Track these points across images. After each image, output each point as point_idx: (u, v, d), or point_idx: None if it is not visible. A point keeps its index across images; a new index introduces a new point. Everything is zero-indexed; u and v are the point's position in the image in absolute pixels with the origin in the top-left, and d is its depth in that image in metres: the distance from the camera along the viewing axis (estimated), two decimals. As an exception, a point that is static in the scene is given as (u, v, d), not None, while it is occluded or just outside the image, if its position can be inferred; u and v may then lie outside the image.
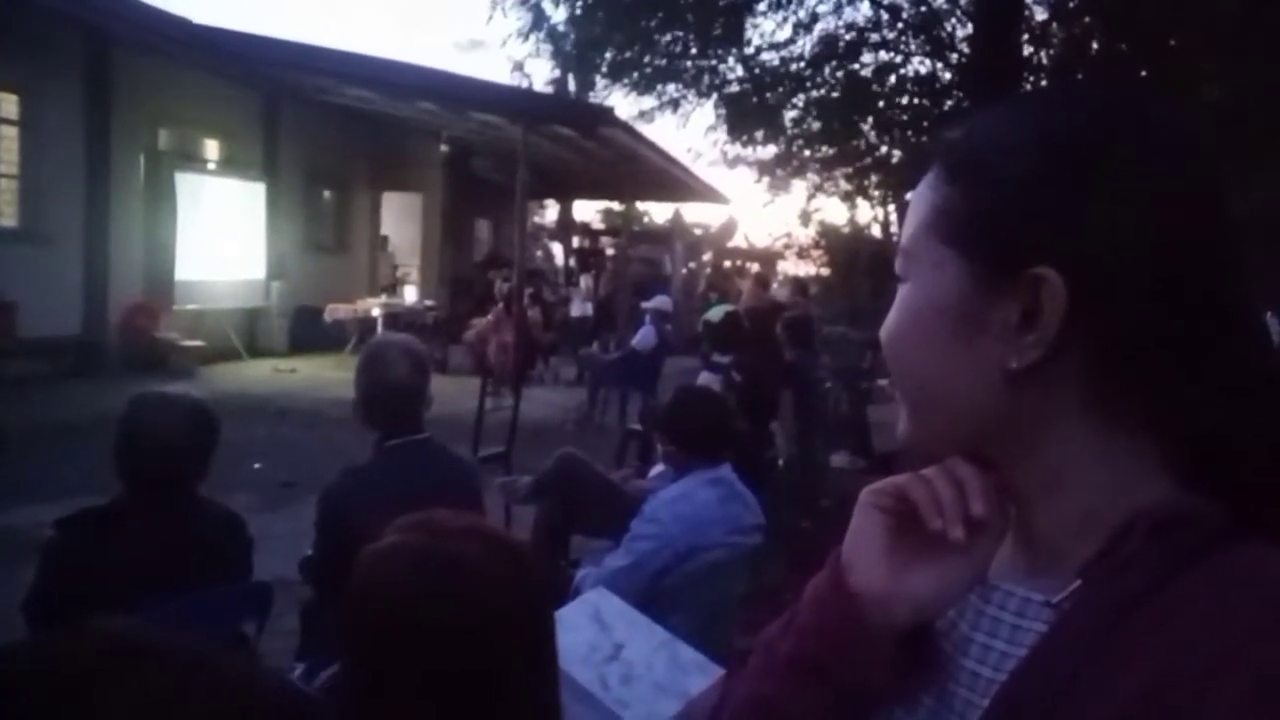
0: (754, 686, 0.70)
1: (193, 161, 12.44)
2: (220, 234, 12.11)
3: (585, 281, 14.35)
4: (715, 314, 6.13)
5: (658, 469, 4.16)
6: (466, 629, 1.17)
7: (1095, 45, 7.44)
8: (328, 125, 14.30)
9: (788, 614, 0.71)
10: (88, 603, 2.08)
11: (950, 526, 0.62)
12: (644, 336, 9.71)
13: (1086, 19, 7.68)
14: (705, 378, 5.21)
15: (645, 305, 10.36)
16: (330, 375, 11.08)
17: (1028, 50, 7.54)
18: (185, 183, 11.67)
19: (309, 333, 13.38)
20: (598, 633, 2.11)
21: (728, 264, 24.62)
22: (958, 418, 0.65)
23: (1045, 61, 7.75)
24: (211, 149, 12.99)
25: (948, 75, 8.07)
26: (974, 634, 0.65)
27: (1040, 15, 7.73)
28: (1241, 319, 0.62)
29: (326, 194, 15.65)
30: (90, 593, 2.09)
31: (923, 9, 7.74)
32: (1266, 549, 0.57)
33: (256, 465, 6.63)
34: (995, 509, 0.63)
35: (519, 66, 14.05)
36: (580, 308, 14.15)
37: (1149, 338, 0.59)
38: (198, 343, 11.46)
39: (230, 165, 13.00)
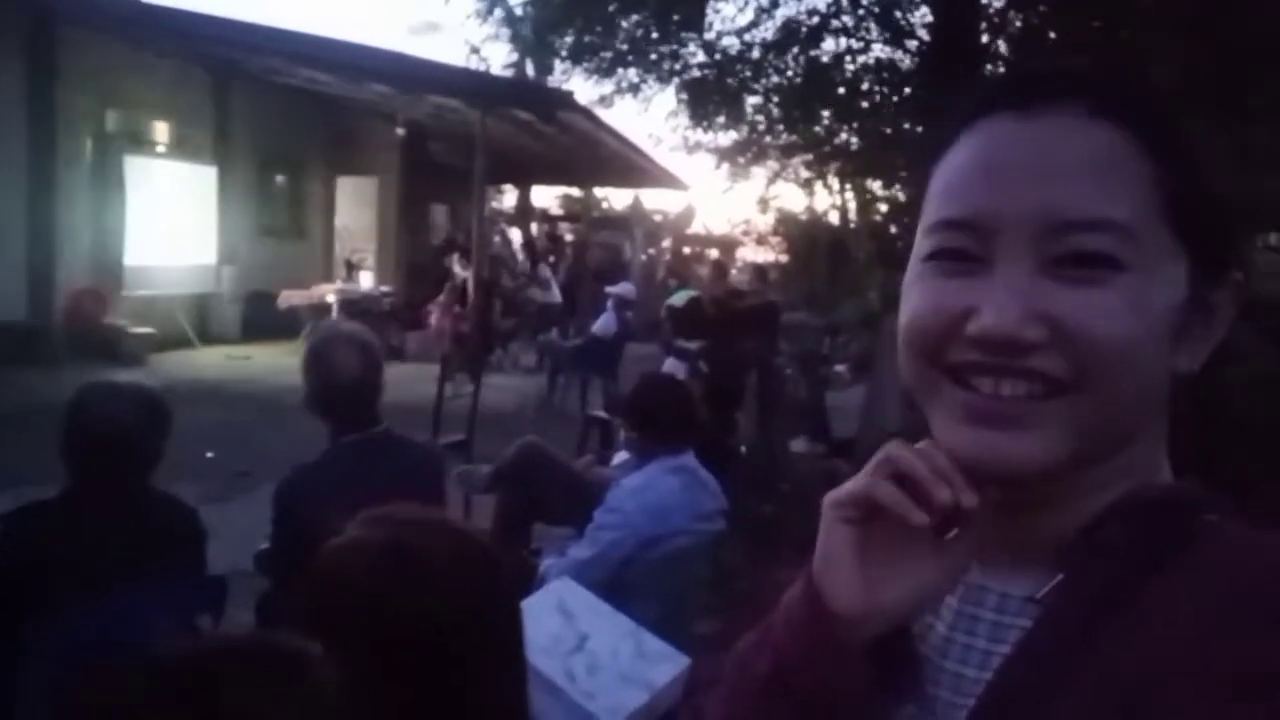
0: (730, 707, 0.67)
1: (142, 144, 12.14)
2: (170, 218, 11.86)
3: (545, 271, 14.22)
4: (679, 299, 6.11)
5: (620, 456, 4.15)
6: (432, 623, 1.15)
7: (1052, 33, 7.51)
8: (281, 108, 14.05)
9: (761, 627, 0.67)
10: (37, 598, 2.02)
11: (934, 491, 0.57)
12: (605, 323, 9.68)
13: (1042, 7, 7.75)
14: (670, 364, 5.20)
15: (609, 291, 10.33)
16: (284, 362, 10.89)
17: (986, 38, 7.59)
18: (134, 166, 11.41)
19: (262, 319, 13.16)
20: (563, 624, 2.09)
21: (687, 250, 24.61)
22: (1127, 435, 0.59)
23: (1003, 49, 7.81)
24: (161, 131, 12.69)
25: (907, 62, 8.11)
26: (953, 634, 0.63)
27: (998, 2, 7.80)
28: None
29: (279, 178, 15.38)
30: (40, 587, 2.03)
31: (882, -5, 7.77)
32: (1247, 535, 0.56)
33: (209, 454, 6.51)
34: (976, 497, 0.59)
35: (475, 50, 13.95)
36: (544, 296, 14.05)
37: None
38: (148, 329, 11.23)
39: (180, 148, 12.72)
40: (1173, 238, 0.57)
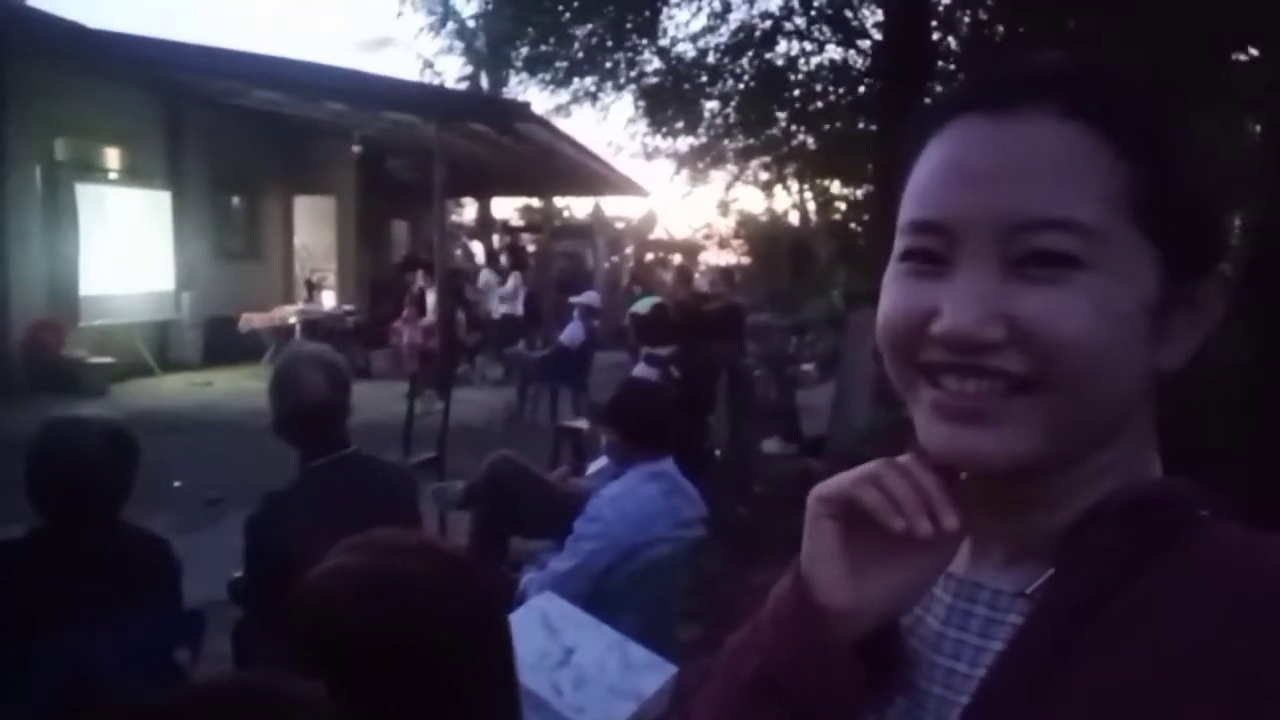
0: (718, 708, 0.66)
1: (93, 172, 11.96)
2: (125, 246, 11.67)
3: (513, 281, 14.17)
4: (643, 306, 6.11)
5: (596, 465, 4.14)
6: (420, 647, 1.13)
7: (1000, 27, 7.61)
8: (233, 129, 13.88)
9: (749, 627, 0.67)
10: (11, 638, 1.98)
11: (915, 523, 0.58)
12: (572, 332, 9.66)
13: (990, 1, 7.85)
14: (642, 370, 5.20)
15: (574, 300, 10.31)
16: (248, 386, 10.78)
17: (936, 35, 7.68)
18: (86, 194, 11.22)
19: (223, 344, 12.99)
20: (547, 638, 2.08)
21: (650, 256, 24.66)
22: (1106, 434, 0.60)
23: (954, 45, 7.91)
24: (112, 158, 12.50)
25: (860, 62, 8.18)
26: (946, 629, 0.63)
27: (946, 0, 7.88)
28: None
29: (235, 200, 15.20)
30: (13, 628, 1.98)
31: (833, -4, 7.84)
32: (1238, 533, 0.56)
33: (176, 483, 6.41)
34: (959, 508, 0.59)
35: (429, 64, 13.90)
36: (509, 306, 13.99)
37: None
38: (107, 359, 11.03)
39: (133, 174, 12.53)
40: (1142, 236, 0.57)
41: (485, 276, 13.56)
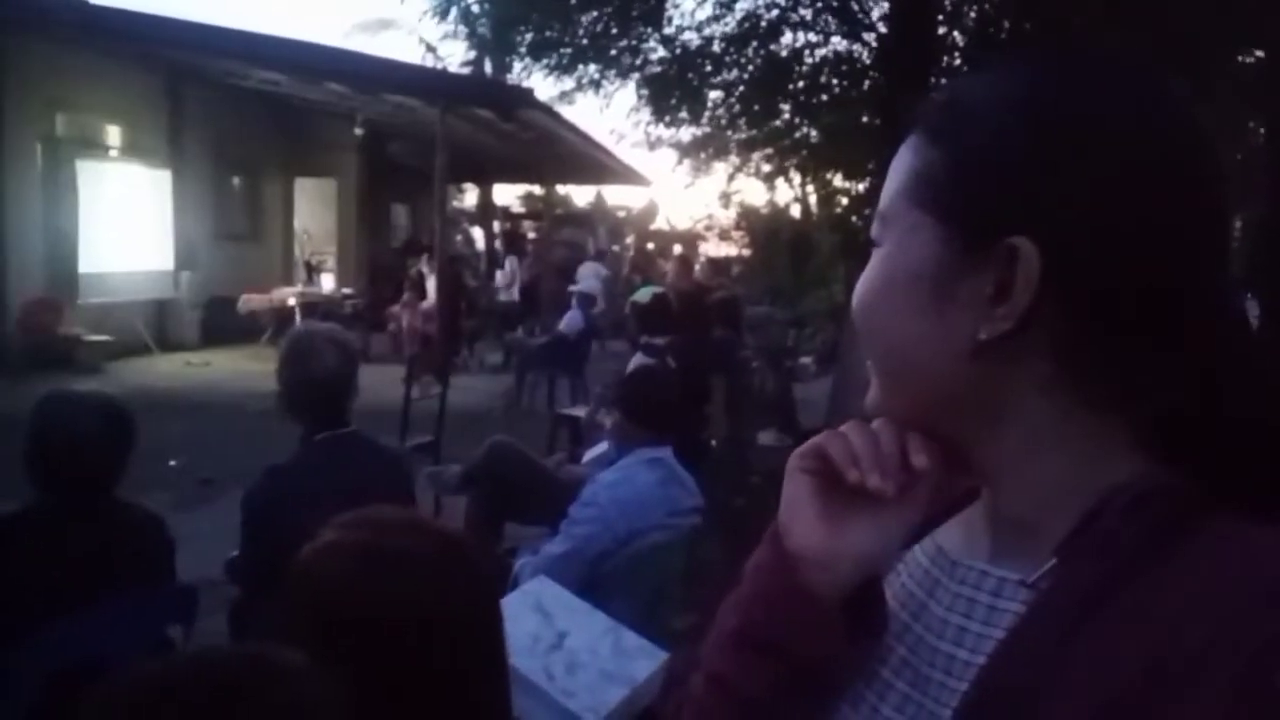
0: (707, 667, 0.68)
1: (94, 148, 11.92)
2: (125, 224, 11.65)
3: (510, 264, 14.13)
4: (643, 295, 6.11)
5: (593, 452, 4.15)
6: (411, 625, 1.14)
7: (1006, 23, 7.59)
8: (235, 109, 13.84)
9: (736, 592, 0.69)
10: (5, 612, 1.98)
11: (867, 476, 0.61)
12: (571, 320, 9.66)
13: (996, -3, 7.83)
14: (638, 359, 5.21)
15: (574, 289, 10.32)
16: (246, 367, 10.78)
17: (942, 29, 7.65)
18: (86, 171, 11.19)
19: (222, 324, 12.98)
20: (540, 622, 2.08)
21: (650, 246, 24.63)
22: (925, 386, 0.63)
23: (959, 41, 7.89)
24: (113, 135, 12.46)
25: (865, 55, 8.15)
26: (949, 615, 0.64)
27: (952, -6, 7.86)
28: (1217, 301, 0.61)
29: (236, 180, 15.16)
30: (7, 605, 1.99)
31: (840, -12, 7.80)
32: (1240, 524, 0.56)
33: (172, 462, 6.41)
34: (928, 458, 0.62)
35: (431, 49, 13.85)
36: (505, 293, 13.97)
37: (1121, 316, 0.58)
38: (105, 337, 11.02)
39: (133, 152, 12.49)
40: (923, 213, 0.62)
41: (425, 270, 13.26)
